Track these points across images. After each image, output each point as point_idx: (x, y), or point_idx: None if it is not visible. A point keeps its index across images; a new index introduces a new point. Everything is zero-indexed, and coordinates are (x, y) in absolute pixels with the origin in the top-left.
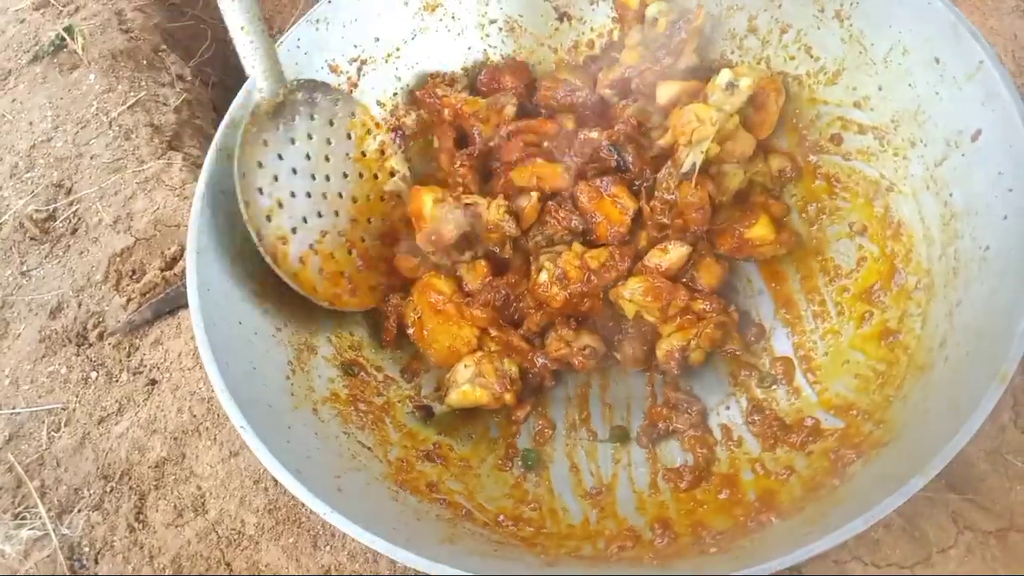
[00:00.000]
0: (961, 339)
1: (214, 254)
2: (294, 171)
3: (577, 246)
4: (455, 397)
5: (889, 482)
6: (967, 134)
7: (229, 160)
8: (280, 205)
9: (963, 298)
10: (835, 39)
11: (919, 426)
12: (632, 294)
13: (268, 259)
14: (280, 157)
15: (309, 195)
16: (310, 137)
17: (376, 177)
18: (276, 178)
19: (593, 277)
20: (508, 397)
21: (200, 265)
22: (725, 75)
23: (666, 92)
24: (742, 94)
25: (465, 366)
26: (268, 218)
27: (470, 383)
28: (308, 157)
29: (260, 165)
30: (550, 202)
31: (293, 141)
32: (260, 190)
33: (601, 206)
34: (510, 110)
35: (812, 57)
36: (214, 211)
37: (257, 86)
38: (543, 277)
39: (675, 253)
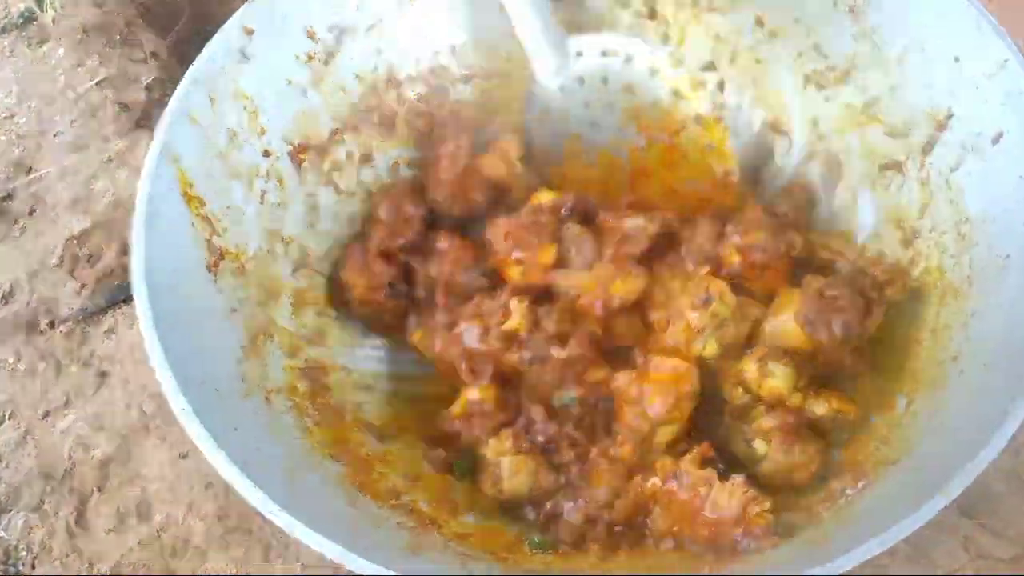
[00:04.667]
0: (978, 352)
1: (166, 222)
2: None
3: None
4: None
5: (900, 503)
6: (987, 137)
7: (190, 123)
8: None
9: (979, 308)
10: (846, 36)
11: (933, 444)
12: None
13: None
14: None
15: None
16: None
17: None
18: None
19: None
20: None
21: (149, 233)
22: None
23: None
24: None
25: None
26: None
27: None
28: None
29: None
30: None
31: None
32: None
33: None
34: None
35: (821, 55)
36: (169, 176)
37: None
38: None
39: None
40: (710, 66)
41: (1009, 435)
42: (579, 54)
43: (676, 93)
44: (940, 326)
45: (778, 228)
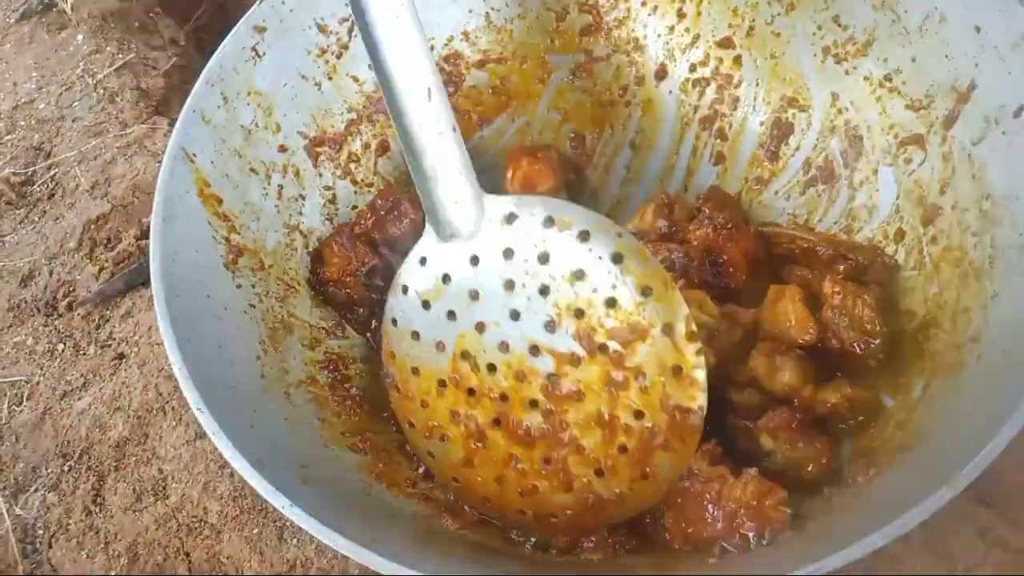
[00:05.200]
0: (997, 335)
1: (182, 223)
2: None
3: None
4: None
5: (912, 491)
6: (1009, 109)
7: (204, 123)
8: None
9: (1000, 290)
10: (865, 6)
11: (947, 431)
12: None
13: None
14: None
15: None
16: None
17: None
18: None
19: None
20: None
21: (166, 232)
22: None
23: None
24: None
25: None
26: None
27: None
28: None
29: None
30: None
31: None
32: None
33: None
34: None
35: (840, 26)
36: (185, 176)
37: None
38: None
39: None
40: (727, 42)
41: (1020, 425)
42: (510, 218)
43: (645, 292)
44: (960, 308)
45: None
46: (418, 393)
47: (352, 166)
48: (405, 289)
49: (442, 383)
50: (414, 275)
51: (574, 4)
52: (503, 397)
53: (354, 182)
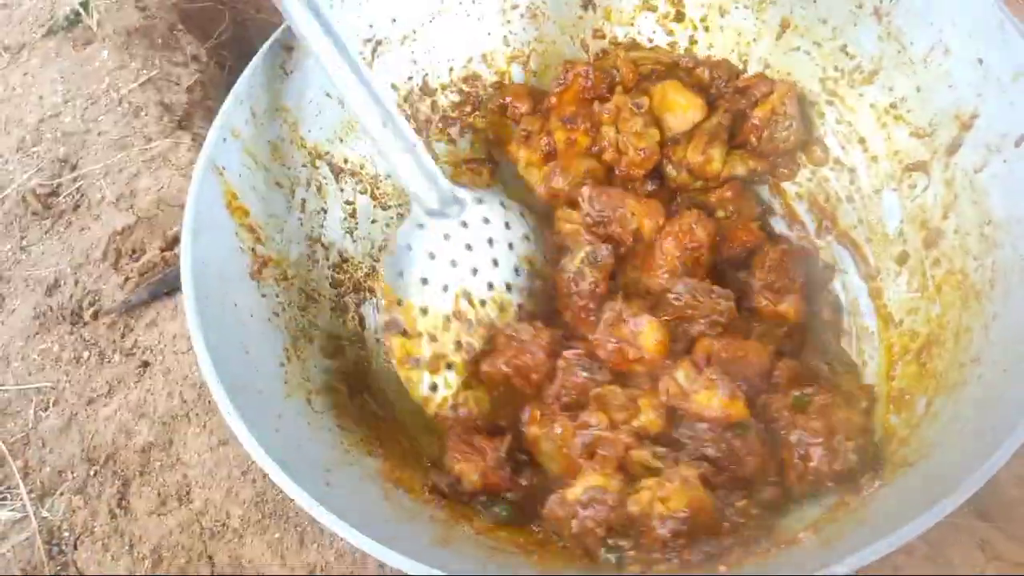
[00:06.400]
0: (998, 355)
1: (211, 233)
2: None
3: None
4: None
5: (915, 504)
6: (1011, 138)
7: (233, 137)
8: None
9: (1001, 311)
10: (872, 37)
11: (950, 447)
12: None
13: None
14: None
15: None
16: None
17: None
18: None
19: None
20: None
21: (196, 244)
22: None
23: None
24: None
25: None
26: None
27: None
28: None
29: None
30: None
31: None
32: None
33: None
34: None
35: (847, 55)
36: (214, 189)
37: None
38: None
39: None
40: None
41: (1022, 439)
42: (479, 199)
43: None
44: (962, 328)
45: None
46: (426, 329)
47: (372, 183)
48: (409, 247)
49: (448, 318)
50: (414, 236)
51: (589, 30)
52: (492, 326)
53: (373, 198)
